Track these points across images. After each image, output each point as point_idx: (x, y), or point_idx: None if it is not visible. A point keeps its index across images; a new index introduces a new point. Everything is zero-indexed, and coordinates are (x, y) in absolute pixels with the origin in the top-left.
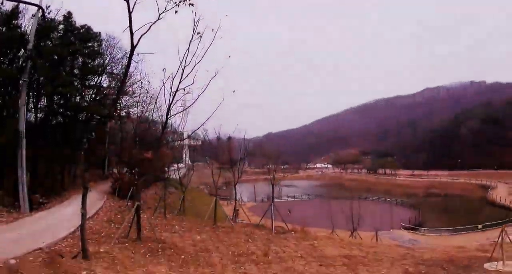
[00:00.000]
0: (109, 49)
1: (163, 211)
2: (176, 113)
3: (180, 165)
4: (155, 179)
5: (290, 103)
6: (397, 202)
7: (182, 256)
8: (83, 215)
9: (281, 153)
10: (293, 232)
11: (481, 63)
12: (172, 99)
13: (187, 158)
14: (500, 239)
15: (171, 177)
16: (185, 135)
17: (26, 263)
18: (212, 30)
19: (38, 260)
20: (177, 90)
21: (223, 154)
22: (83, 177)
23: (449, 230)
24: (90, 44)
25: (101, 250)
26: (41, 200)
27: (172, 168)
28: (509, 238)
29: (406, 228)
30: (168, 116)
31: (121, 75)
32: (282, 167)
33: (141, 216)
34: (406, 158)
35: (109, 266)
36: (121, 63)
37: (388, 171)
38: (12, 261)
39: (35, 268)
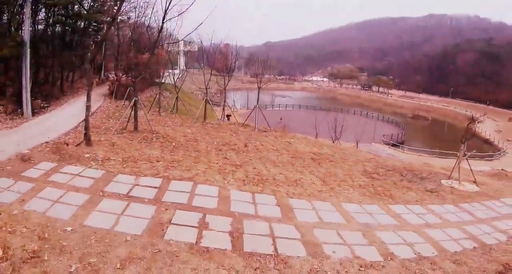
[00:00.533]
0: None
1: (157, 110)
2: (172, 18)
3: (175, 71)
4: (150, 82)
5: (292, 14)
6: (384, 119)
7: (173, 144)
8: (88, 107)
9: (278, 62)
10: (274, 131)
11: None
12: (169, 5)
13: (182, 64)
14: (458, 161)
15: (165, 81)
16: (181, 42)
17: (36, 152)
18: None
19: (46, 150)
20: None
21: (219, 60)
22: (87, 74)
23: (428, 152)
24: None
25: (102, 139)
26: (42, 105)
27: (167, 73)
28: (469, 164)
29: (387, 143)
30: (164, 21)
31: None
32: (278, 77)
33: (138, 112)
34: (401, 79)
35: (109, 149)
36: None
37: (381, 89)
38: (25, 151)
39: (44, 155)
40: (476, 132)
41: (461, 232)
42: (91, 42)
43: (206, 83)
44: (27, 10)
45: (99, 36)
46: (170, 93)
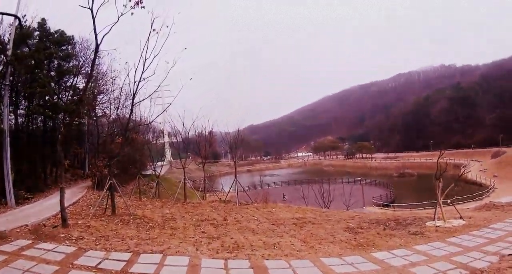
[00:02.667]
0: (83, 51)
1: (138, 196)
2: (140, 101)
3: (163, 163)
4: (132, 172)
5: (269, 96)
6: (371, 182)
7: (150, 224)
8: (62, 189)
9: (264, 144)
10: (255, 203)
11: (450, 48)
12: (136, 89)
13: (169, 155)
14: (440, 200)
15: (152, 173)
16: (165, 133)
17: (14, 232)
18: (167, 26)
19: (25, 230)
20: (140, 80)
21: (205, 148)
22: (58, 155)
23: (419, 205)
24: (64, 47)
25: (79, 222)
26: (26, 196)
27: (154, 165)
28: (455, 208)
29: (378, 205)
30: (133, 104)
31: (94, 75)
32: (265, 158)
33: (118, 199)
34: (381, 141)
35: (84, 230)
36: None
37: (364, 154)
38: (2, 230)
39: (21, 234)
40: (463, 177)
41: (449, 264)
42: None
43: (183, 163)
44: (6, 98)
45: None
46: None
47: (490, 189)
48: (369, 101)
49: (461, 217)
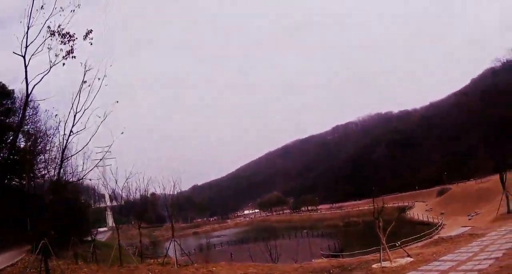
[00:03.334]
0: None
1: (75, 261)
2: (69, 157)
3: (104, 228)
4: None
5: (211, 155)
6: (318, 234)
7: None
8: None
9: (209, 204)
10: (195, 264)
11: (385, 95)
12: (66, 143)
13: (110, 221)
14: (383, 240)
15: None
16: (106, 196)
17: None
18: (99, 79)
19: None
20: (70, 134)
21: (148, 212)
22: None
23: (367, 252)
24: (4, 102)
25: None
26: None
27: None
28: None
29: (326, 256)
30: (63, 160)
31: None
32: (211, 219)
33: (53, 263)
34: (326, 192)
35: None
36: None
37: (310, 207)
38: None
39: None
40: (410, 218)
41: None
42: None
43: (115, 224)
44: None
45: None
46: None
47: (438, 226)
48: (311, 154)
49: (408, 255)
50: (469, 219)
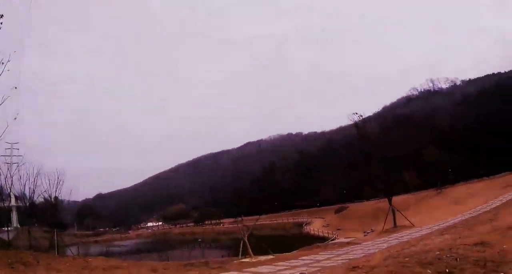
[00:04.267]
0: None
1: None
2: None
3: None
4: None
5: (119, 164)
6: (216, 246)
7: None
8: None
9: (113, 214)
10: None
11: (295, 118)
12: None
13: (15, 221)
14: (245, 238)
15: None
16: (12, 196)
17: None
18: None
19: None
20: None
21: (51, 215)
22: None
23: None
24: None
25: None
26: None
27: None
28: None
29: None
30: None
31: None
32: (114, 229)
33: None
34: (231, 207)
35: None
36: None
37: (214, 221)
38: None
39: None
40: (307, 232)
41: None
42: None
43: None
44: None
45: None
46: None
47: (330, 239)
48: (221, 169)
49: (271, 254)
50: (365, 235)
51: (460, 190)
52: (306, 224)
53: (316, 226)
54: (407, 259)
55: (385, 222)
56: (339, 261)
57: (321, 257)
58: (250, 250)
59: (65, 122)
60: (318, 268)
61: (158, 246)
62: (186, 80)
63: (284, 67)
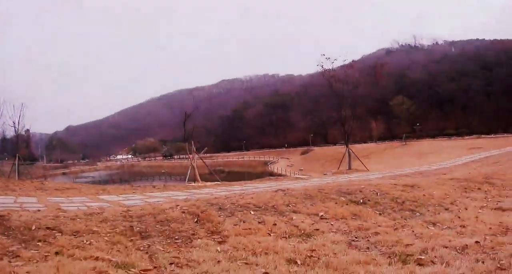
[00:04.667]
0: None
1: None
2: None
3: None
4: None
5: (90, 96)
6: (180, 179)
7: None
8: None
9: (83, 146)
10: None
11: (276, 58)
12: None
13: None
14: (193, 164)
15: None
16: None
17: None
18: None
19: None
20: None
21: (22, 149)
22: None
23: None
24: None
25: None
26: None
27: None
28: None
29: None
30: None
31: None
32: (82, 161)
33: None
34: (200, 143)
35: None
36: None
37: (183, 155)
38: None
39: None
40: (271, 170)
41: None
42: None
43: None
44: None
45: None
46: None
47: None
48: (194, 105)
49: (218, 181)
50: (324, 175)
51: (424, 144)
52: (271, 163)
53: (280, 165)
54: (329, 188)
55: (340, 164)
56: (273, 187)
57: (263, 185)
58: (198, 176)
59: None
60: (252, 191)
61: (125, 177)
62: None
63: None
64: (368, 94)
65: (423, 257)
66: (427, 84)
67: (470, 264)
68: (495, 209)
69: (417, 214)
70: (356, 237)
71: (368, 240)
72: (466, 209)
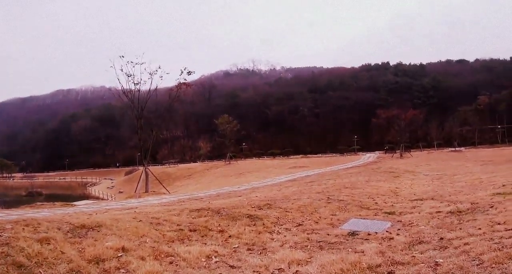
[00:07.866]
0: None
1: None
2: None
3: None
4: None
5: None
6: None
7: None
8: None
9: None
10: None
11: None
12: None
13: None
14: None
15: None
16: None
17: None
18: None
19: None
20: None
21: None
22: None
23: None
24: None
25: None
26: None
27: None
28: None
29: None
30: None
31: None
32: None
33: None
34: (26, 160)
35: None
36: None
37: (6, 173)
38: None
39: None
40: (88, 194)
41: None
42: None
43: None
44: None
45: None
46: None
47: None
48: (25, 116)
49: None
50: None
51: (247, 163)
52: (90, 185)
53: (101, 187)
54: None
55: (137, 187)
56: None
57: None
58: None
59: None
60: None
61: None
62: None
63: None
64: (200, 112)
65: None
66: (256, 105)
67: None
68: None
69: None
70: None
71: None
72: None
